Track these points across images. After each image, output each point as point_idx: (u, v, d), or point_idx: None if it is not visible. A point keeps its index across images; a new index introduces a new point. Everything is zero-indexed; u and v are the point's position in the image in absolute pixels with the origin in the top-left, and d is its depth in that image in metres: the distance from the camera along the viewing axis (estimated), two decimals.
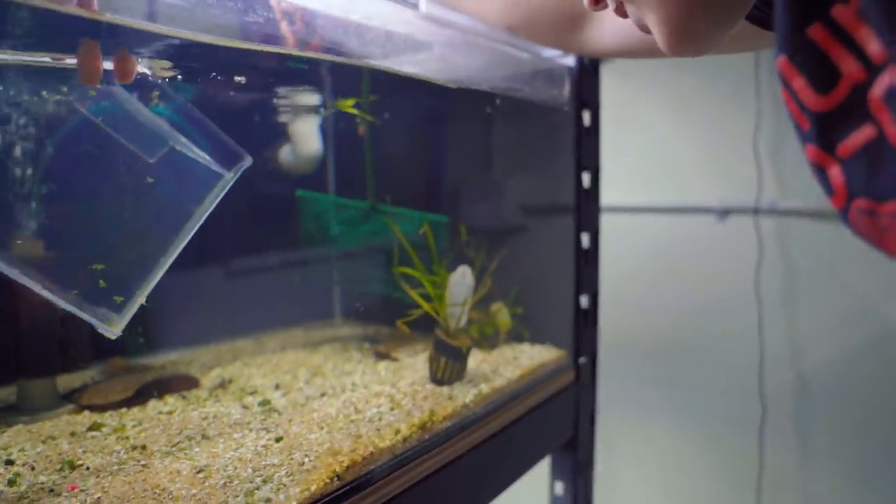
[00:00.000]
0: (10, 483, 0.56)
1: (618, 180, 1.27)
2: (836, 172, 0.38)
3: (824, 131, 0.37)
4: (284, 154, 0.96)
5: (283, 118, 0.94)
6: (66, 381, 0.81)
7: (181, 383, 0.82)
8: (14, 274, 0.63)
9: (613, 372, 1.32)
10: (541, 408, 0.95)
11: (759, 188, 1.46)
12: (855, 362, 1.43)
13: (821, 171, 0.39)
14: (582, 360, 1.08)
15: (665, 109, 1.59)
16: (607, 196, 1.11)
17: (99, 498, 0.53)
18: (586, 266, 1.07)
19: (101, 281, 0.65)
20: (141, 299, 0.66)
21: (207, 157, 0.72)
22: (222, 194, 0.71)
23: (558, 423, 1.03)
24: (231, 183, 0.71)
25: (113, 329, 0.63)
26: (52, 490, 0.55)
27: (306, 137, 0.96)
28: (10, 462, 0.60)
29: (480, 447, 0.80)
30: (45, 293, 0.63)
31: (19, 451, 0.63)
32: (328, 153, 0.99)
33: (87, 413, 0.75)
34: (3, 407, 0.76)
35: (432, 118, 1.11)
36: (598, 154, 1.07)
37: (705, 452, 1.63)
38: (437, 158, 1.20)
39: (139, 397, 0.78)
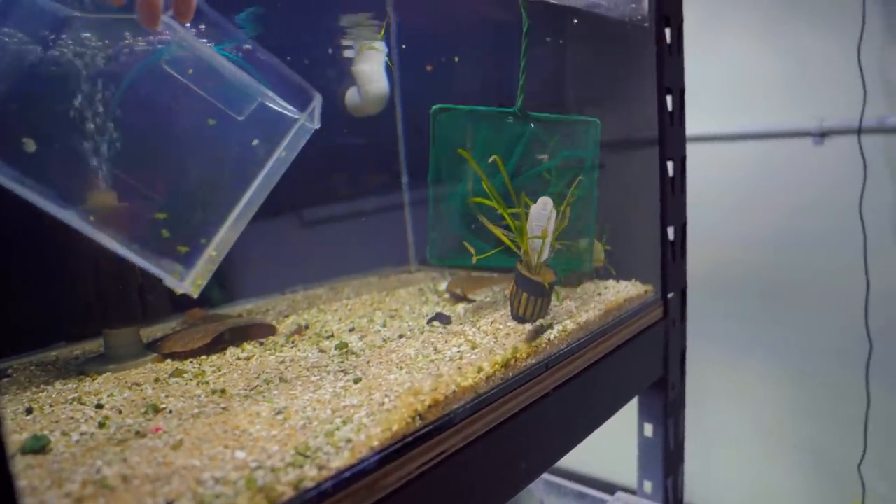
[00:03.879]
0: (100, 425, 0.57)
1: (702, 107, 1.18)
2: None
3: None
4: (350, 96, 0.93)
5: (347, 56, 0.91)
6: (148, 332, 0.82)
7: (258, 331, 0.82)
8: (88, 230, 0.62)
9: (702, 309, 1.25)
10: (628, 345, 0.90)
11: (864, 104, 1.32)
12: None
13: None
14: (670, 295, 1.02)
15: (753, 22, 1.46)
16: (692, 125, 1.03)
17: (181, 439, 0.53)
18: (673, 195, 1.00)
19: (163, 231, 0.64)
20: (210, 251, 0.65)
21: (282, 103, 0.69)
22: (299, 140, 0.69)
23: (647, 361, 0.98)
24: (305, 127, 0.68)
25: (177, 280, 0.62)
26: (137, 432, 0.55)
27: (372, 75, 0.92)
28: (100, 406, 0.61)
29: (567, 386, 0.77)
30: (115, 246, 0.62)
31: (108, 396, 0.64)
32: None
33: (169, 361, 0.76)
34: (93, 357, 0.77)
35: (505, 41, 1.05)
36: (681, 74, 0.99)
37: (804, 392, 1.54)
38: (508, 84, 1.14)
39: (218, 345, 0.78)
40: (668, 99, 0.97)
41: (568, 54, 1.06)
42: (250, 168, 0.67)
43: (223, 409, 0.59)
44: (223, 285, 0.91)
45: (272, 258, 0.94)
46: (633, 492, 1.14)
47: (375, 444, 0.54)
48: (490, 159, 0.74)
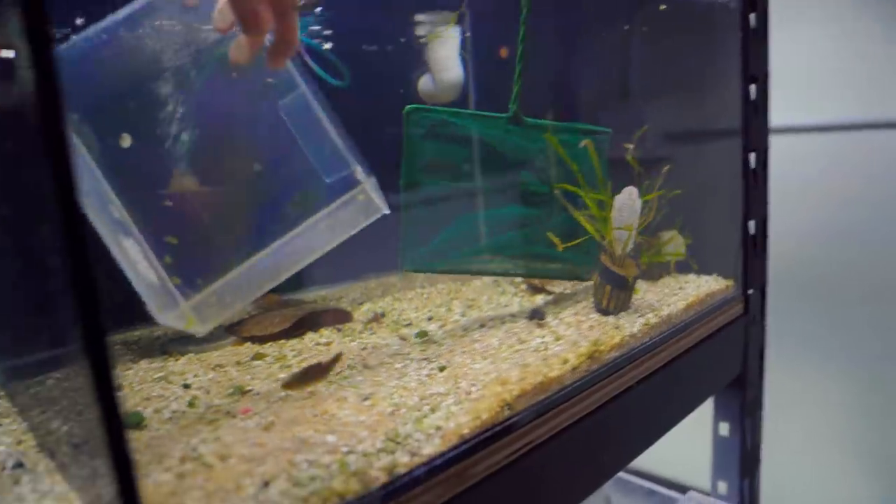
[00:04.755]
0: (190, 405, 0.57)
1: (785, 97, 1.13)
2: None
3: None
4: (423, 83, 0.92)
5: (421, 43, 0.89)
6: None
7: (334, 317, 0.82)
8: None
9: (780, 307, 1.21)
10: (709, 340, 0.87)
11: None
12: None
13: None
14: (750, 291, 0.98)
15: (836, 8, 1.39)
16: (773, 116, 0.98)
17: (272, 421, 0.52)
18: (755, 188, 0.96)
19: (167, 257, 0.63)
20: (205, 293, 0.62)
21: (364, 175, 0.67)
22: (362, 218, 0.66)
23: (727, 358, 0.95)
24: (374, 206, 0.66)
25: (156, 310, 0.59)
26: (227, 412, 0.55)
27: (447, 62, 0.90)
28: (187, 386, 0.62)
29: (649, 379, 0.74)
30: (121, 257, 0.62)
31: (193, 376, 0.65)
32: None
33: (248, 344, 0.76)
34: (174, 338, 0.79)
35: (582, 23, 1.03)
36: (766, 61, 0.95)
37: (888, 399, 1.47)
38: (587, 69, 1.11)
39: (296, 330, 0.78)
40: (752, 87, 0.93)
41: (644, 42, 1.03)
42: (279, 228, 0.65)
43: (310, 393, 0.59)
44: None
45: (344, 245, 0.93)
46: (703, 492, 1.11)
47: (465, 432, 0.53)
48: (581, 144, 0.71)
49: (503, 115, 0.75)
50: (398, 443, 0.50)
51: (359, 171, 0.65)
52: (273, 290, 0.90)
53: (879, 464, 1.51)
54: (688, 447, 1.27)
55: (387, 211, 0.67)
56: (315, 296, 0.91)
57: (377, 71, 0.83)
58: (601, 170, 0.70)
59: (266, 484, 0.45)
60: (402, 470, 0.49)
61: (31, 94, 0.30)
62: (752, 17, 0.93)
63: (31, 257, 0.49)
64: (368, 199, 0.65)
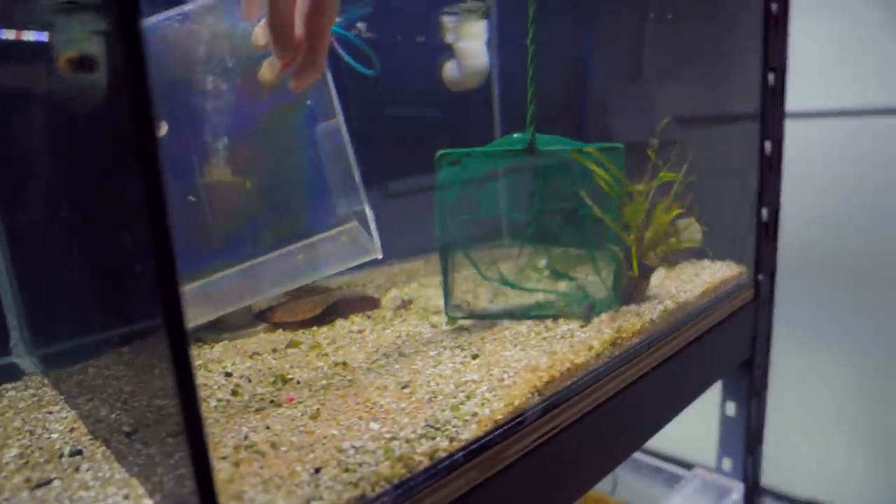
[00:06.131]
0: (234, 393, 0.60)
1: (796, 83, 1.14)
2: None
3: None
4: (449, 70, 0.93)
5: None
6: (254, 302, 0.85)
7: (363, 304, 0.84)
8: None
9: (787, 290, 1.23)
10: (721, 325, 0.90)
11: None
12: None
13: None
14: (760, 276, 1.01)
15: None
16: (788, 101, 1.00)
17: (318, 409, 0.55)
18: (770, 176, 0.98)
19: None
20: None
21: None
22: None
23: (737, 341, 0.98)
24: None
25: None
26: (272, 401, 0.58)
27: (472, 51, 0.92)
28: (228, 374, 0.64)
29: (665, 364, 0.77)
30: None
31: (232, 364, 0.67)
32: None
33: (280, 331, 0.79)
34: (204, 325, 0.81)
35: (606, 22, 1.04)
36: (785, 49, 0.96)
37: (888, 383, 1.51)
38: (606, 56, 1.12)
39: (326, 316, 0.80)
40: (771, 76, 0.95)
41: (665, 28, 1.04)
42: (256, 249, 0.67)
43: (349, 381, 0.61)
44: None
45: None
46: (708, 468, 1.15)
47: (499, 417, 0.56)
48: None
49: (520, 147, 0.74)
50: (438, 429, 0.53)
51: (366, 210, 0.68)
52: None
53: (877, 442, 1.55)
54: (693, 425, 1.30)
55: (379, 256, 0.69)
56: (340, 281, 0.93)
57: (407, 58, 0.84)
58: (619, 186, 0.71)
59: (317, 470, 0.47)
60: (442, 454, 0.51)
61: (121, 84, 0.32)
62: (774, 6, 0.94)
63: (94, 249, 0.51)
64: (358, 241, 0.67)
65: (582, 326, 0.71)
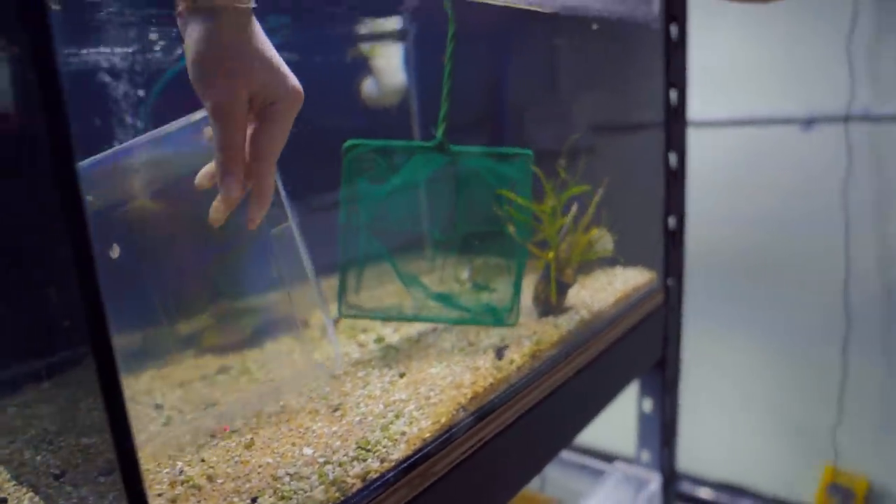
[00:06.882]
0: (165, 424, 0.60)
1: (695, 94, 1.22)
2: None
3: None
4: (367, 87, 0.95)
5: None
6: (182, 327, 0.85)
7: (291, 324, 0.85)
8: None
9: (696, 288, 1.32)
10: (634, 330, 0.96)
11: (852, 95, 1.38)
12: None
13: None
14: (669, 281, 1.08)
15: (746, 11, 1.50)
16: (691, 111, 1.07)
17: (252, 438, 0.56)
18: (674, 186, 1.05)
19: None
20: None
21: None
22: None
23: (650, 343, 1.04)
24: None
25: None
26: (205, 431, 0.58)
27: (387, 70, 0.94)
28: (159, 406, 0.64)
29: (583, 371, 0.82)
30: None
31: (161, 395, 0.67)
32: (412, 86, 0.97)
33: (208, 356, 0.79)
34: (128, 353, 0.80)
35: (523, 46, 1.08)
36: (685, 70, 1.03)
37: (787, 365, 1.63)
38: (522, 85, 1.16)
39: (255, 339, 0.81)
40: (673, 94, 1.01)
41: (572, 56, 1.10)
42: None
43: (281, 406, 0.63)
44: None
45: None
46: (628, 460, 1.21)
47: (427, 435, 0.59)
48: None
49: (430, 143, 0.74)
50: (369, 450, 0.56)
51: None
52: (222, 296, 0.93)
53: (779, 421, 1.68)
54: (615, 421, 1.37)
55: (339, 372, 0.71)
56: (267, 301, 0.93)
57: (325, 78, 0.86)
58: (527, 202, 0.74)
59: (254, 500, 0.49)
60: (374, 475, 0.54)
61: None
62: (674, 29, 1.01)
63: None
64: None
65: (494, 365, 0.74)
